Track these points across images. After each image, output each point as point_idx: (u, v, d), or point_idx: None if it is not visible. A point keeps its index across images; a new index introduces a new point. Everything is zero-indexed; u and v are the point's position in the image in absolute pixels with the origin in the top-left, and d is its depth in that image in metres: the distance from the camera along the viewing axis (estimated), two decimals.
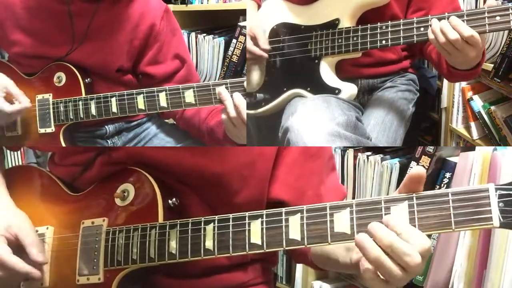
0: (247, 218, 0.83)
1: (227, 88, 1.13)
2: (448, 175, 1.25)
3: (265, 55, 1.32)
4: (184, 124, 1.44)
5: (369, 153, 1.47)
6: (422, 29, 1.14)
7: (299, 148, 1.05)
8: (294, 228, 0.79)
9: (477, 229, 0.79)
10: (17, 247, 0.94)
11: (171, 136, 1.49)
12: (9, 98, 1.26)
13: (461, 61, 1.12)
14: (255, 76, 1.39)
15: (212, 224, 0.85)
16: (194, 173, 0.97)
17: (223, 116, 1.13)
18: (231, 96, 1.12)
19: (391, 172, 1.41)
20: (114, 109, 1.24)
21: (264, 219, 0.81)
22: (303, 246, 0.79)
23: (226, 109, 1.12)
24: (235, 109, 1.10)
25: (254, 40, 1.32)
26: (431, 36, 1.09)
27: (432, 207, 0.72)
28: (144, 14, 1.38)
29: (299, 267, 1.82)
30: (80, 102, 1.28)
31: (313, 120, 1.13)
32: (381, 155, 1.45)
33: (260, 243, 0.81)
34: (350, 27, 1.26)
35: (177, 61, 1.43)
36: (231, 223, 0.84)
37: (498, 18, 1.06)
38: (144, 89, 1.21)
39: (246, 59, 1.42)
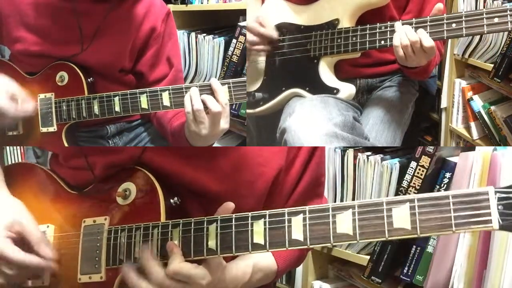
0: (250, 218, 0.83)
1: (229, 87, 1.13)
2: (448, 175, 1.25)
3: (275, 35, 1.33)
4: (156, 123, 1.43)
5: (369, 153, 1.47)
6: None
7: (309, 179, 1.06)
8: (297, 228, 0.79)
9: (477, 231, 0.80)
10: (22, 242, 0.93)
11: None
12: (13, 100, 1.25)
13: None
14: (254, 75, 1.39)
15: (215, 224, 0.85)
16: (194, 187, 0.97)
17: (187, 110, 1.12)
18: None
19: (391, 172, 1.40)
20: (117, 108, 1.24)
21: (267, 219, 0.82)
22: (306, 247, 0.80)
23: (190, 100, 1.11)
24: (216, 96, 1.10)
25: (261, 25, 1.32)
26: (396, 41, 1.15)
27: (433, 209, 0.73)
28: (147, 14, 1.38)
29: (299, 267, 1.81)
30: (83, 101, 1.28)
31: (310, 120, 1.14)
32: (381, 155, 1.45)
33: (263, 243, 0.81)
34: (349, 27, 1.26)
35: (168, 65, 1.43)
36: (234, 223, 0.84)
37: (496, 19, 1.07)
38: (147, 89, 1.21)
39: (247, 49, 1.40)
